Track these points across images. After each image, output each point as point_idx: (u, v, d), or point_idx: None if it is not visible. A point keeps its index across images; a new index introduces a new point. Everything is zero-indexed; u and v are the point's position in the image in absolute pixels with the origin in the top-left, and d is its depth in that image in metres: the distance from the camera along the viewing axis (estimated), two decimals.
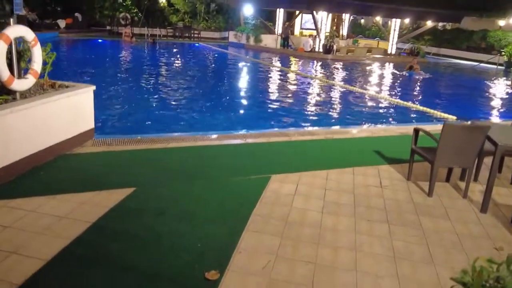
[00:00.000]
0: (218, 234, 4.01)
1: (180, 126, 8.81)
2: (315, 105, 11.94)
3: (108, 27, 29.36)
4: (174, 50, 25.18)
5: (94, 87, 6.32)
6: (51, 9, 28.51)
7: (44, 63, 6.01)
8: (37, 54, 5.30)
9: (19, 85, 5.04)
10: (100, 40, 25.67)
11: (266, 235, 4.03)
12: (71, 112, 5.89)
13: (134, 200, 4.60)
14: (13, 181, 4.82)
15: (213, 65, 20.15)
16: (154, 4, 31.54)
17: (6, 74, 4.82)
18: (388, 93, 15.01)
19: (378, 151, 6.79)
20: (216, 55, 23.72)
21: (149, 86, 13.20)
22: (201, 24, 32.18)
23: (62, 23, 26.79)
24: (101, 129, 7.76)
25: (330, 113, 11.11)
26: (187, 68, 18.24)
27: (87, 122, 6.34)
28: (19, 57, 5.48)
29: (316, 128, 8.91)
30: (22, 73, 5.40)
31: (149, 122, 9.01)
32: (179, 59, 21.53)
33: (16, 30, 4.88)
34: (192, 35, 30.01)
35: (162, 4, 32.31)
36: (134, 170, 5.44)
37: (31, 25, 24.98)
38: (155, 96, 11.67)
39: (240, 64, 20.91)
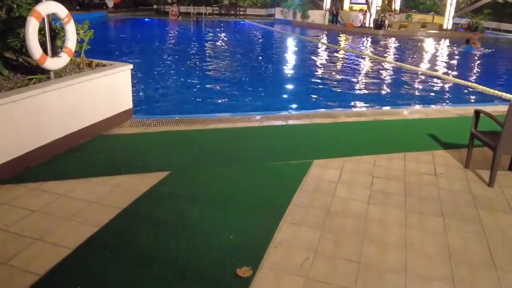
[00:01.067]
0: (253, 224, 3.71)
1: (222, 106, 8.54)
2: (364, 84, 11.31)
3: (155, 6, 29.44)
4: (219, 28, 24.88)
5: (131, 66, 6.13)
6: None
7: (81, 41, 5.88)
8: (71, 32, 5.12)
9: (53, 63, 4.90)
10: (146, 19, 25.81)
11: (305, 227, 3.69)
12: (107, 91, 5.73)
13: (167, 184, 4.37)
14: (47, 163, 4.72)
15: (257, 43, 19.72)
16: None
17: (38, 52, 4.68)
18: (444, 71, 14.02)
19: (432, 135, 6.21)
20: (261, 33, 23.22)
21: (191, 66, 13.01)
22: (247, 1, 31.60)
23: (110, 2, 27.13)
24: (141, 109, 7.64)
25: (380, 92, 10.46)
26: (231, 46, 17.91)
27: (125, 102, 6.18)
28: (54, 35, 5.35)
29: (364, 108, 8.35)
30: (59, 51, 5.26)
31: (191, 103, 8.82)
32: (223, 37, 21.22)
33: (47, 7, 4.71)
34: (238, 12, 29.57)
35: None
36: (170, 153, 5.23)
37: (81, 5, 25.57)
38: (198, 76, 11.46)
39: (286, 41, 20.33)
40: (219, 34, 22.09)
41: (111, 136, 5.66)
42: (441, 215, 4.04)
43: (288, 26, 25.72)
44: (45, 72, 5.03)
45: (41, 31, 4.97)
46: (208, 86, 10.25)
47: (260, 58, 15.32)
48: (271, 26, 25.78)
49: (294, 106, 8.70)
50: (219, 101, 8.99)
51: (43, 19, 4.76)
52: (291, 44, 19.63)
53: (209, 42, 18.70)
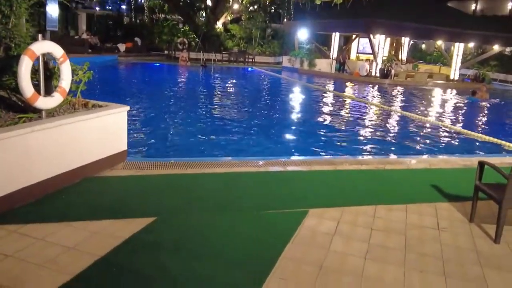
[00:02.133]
0: (239, 279, 3.43)
1: (224, 150, 8.36)
2: (369, 132, 11.16)
3: (166, 52, 30.12)
4: (227, 74, 25.24)
5: (127, 108, 6.04)
6: (113, 34, 29.70)
7: (79, 82, 5.83)
8: (66, 72, 5.07)
9: (45, 103, 4.81)
10: (157, 64, 26.30)
11: (295, 284, 3.40)
12: (100, 133, 5.61)
13: (152, 231, 4.14)
14: (31, 204, 4.53)
15: (264, 89, 19.85)
16: (211, 30, 32.08)
17: (30, 91, 4.60)
18: (450, 121, 13.88)
19: (436, 186, 5.96)
20: (269, 79, 23.48)
21: (197, 109, 13.00)
22: (256, 49, 32.27)
23: (122, 47, 27.80)
24: (139, 151, 7.50)
25: (385, 141, 10.28)
26: (238, 92, 18.03)
27: (119, 143, 6.04)
28: (50, 75, 5.32)
29: (368, 157, 8.14)
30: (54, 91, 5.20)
31: (192, 146, 8.63)
32: (231, 83, 21.44)
33: (42, 46, 4.68)
34: (247, 59, 30.10)
35: (218, 30, 32.81)
36: (159, 197, 5.02)
37: (93, 48, 26.21)
38: (202, 119, 11.38)
39: (293, 88, 20.47)
40: (226, 80, 22.36)
41: (101, 178, 5.48)
42: (443, 273, 3.74)
43: (295, 74, 26.03)
44: (37, 111, 4.94)
45: (38, 70, 4.92)
46: (211, 130, 10.14)
47: (266, 104, 15.33)
48: (278, 73, 26.11)
49: (295, 152, 8.51)
50: (222, 144, 8.83)
51: (38, 58, 4.71)
52: (297, 91, 19.73)
53: (217, 87, 18.87)
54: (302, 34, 27.87)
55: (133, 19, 35.93)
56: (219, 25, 33.09)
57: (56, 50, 4.89)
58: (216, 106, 13.67)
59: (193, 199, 5.02)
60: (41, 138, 4.64)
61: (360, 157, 8.14)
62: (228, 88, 19.14)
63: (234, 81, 22.10)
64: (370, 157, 8.10)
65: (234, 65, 29.13)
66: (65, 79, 5.08)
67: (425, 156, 8.59)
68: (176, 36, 31.50)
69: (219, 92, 17.27)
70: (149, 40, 31.00)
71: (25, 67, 4.49)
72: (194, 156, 7.46)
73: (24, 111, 5.01)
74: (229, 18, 34.01)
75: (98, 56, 24.94)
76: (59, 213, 4.41)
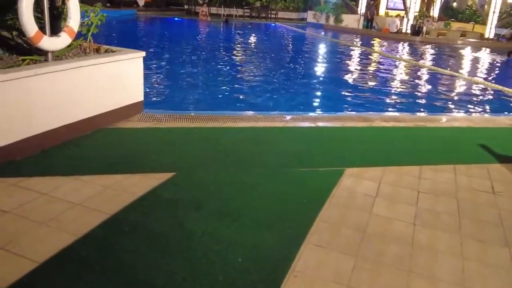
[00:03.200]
0: (268, 244, 2.96)
1: (246, 104, 7.81)
2: (401, 89, 10.39)
3: (185, 6, 29.13)
4: (249, 29, 24.28)
5: (143, 54, 5.48)
6: None
7: (90, 25, 5.28)
8: (74, 10, 4.51)
9: (50, 44, 4.29)
10: (176, 18, 25.46)
11: (334, 252, 2.91)
12: (114, 80, 5.09)
13: (169, 187, 3.67)
14: (36, 157, 4.09)
15: (288, 45, 18.94)
16: None
17: (32, 29, 4.06)
18: (488, 78, 12.93)
19: (485, 146, 5.32)
20: (291, 35, 22.46)
21: (217, 63, 12.35)
22: (279, 4, 30.92)
23: (141, 1, 26.95)
24: (156, 102, 7.00)
25: (419, 98, 9.54)
26: (260, 47, 17.19)
27: (135, 93, 5.53)
28: (57, 14, 4.76)
29: (403, 113, 7.45)
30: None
31: (212, 100, 8.12)
32: (253, 38, 20.57)
33: None
34: (269, 15, 28.92)
35: None
36: (179, 151, 4.53)
37: (111, 2, 25.42)
38: (223, 74, 10.78)
39: (318, 44, 19.52)
40: (248, 36, 21.46)
41: (115, 130, 5.02)
42: (505, 244, 3.20)
43: (320, 30, 24.88)
44: (43, 53, 4.42)
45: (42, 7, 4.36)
46: (233, 84, 9.53)
47: (291, 59, 14.54)
48: (302, 29, 25.01)
49: (324, 108, 7.90)
50: (243, 99, 8.27)
51: None
52: (323, 47, 18.80)
53: (238, 43, 18.08)
54: None
55: None
56: None
57: None
58: (238, 62, 13.00)
59: (215, 153, 4.52)
60: (46, 83, 4.14)
61: (396, 113, 7.47)
62: (251, 44, 18.33)
63: (256, 37, 21.19)
64: (406, 113, 7.41)
65: (256, 20, 28.04)
66: (73, 18, 4.52)
67: (466, 114, 7.86)
68: None
69: (241, 48, 16.50)
70: None
71: (26, 1, 3.94)
72: (215, 110, 6.93)
73: (29, 54, 4.50)
74: None
75: (117, 10, 24.20)
76: (66, 166, 3.97)
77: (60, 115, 4.38)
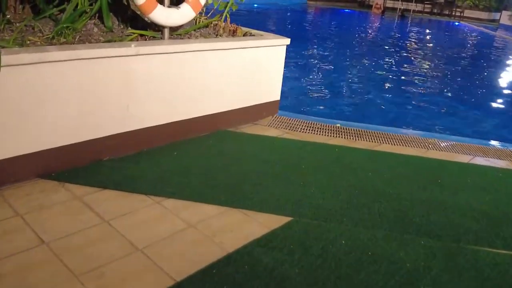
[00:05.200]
0: None
1: (409, 121, 6.05)
2: None
3: None
4: (428, 28, 21.45)
5: (288, 41, 4.27)
6: None
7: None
8: None
9: (166, 17, 3.33)
10: (347, 10, 23.91)
11: None
12: (245, 72, 3.99)
13: (272, 249, 2.38)
14: (124, 160, 3.20)
15: (476, 50, 15.88)
16: None
17: None
18: None
19: None
20: (479, 37, 19.07)
21: (382, 65, 10.57)
22: (467, 1, 27.01)
23: None
24: (292, 106, 5.75)
25: None
26: (439, 49, 14.67)
27: (271, 90, 4.38)
28: None
29: None
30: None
31: (367, 111, 6.48)
32: (431, 38, 17.93)
33: None
34: (454, 13, 25.41)
35: None
36: (309, 181, 3.21)
37: None
38: (387, 79, 8.95)
39: None
40: (426, 35, 18.83)
41: (237, 135, 3.91)
42: None
43: None
44: (160, 29, 3.51)
45: None
46: (397, 94, 7.62)
47: (477, 68, 11.81)
48: (493, 31, 21.22)
49: None
50: (407, 114, 6.48)
51: None
52: None
53: (412, 42, 15.80)
54: None
55: None
56: None
57: None
58: (409, 66, 10.97)
59: (358, 195, 3.07)
60: (152, 66, 3.20)
61: None
62: (428, 45, 15.86)
63: (437, 37, 18.47)
64: None
65: (437, 17, 24.87)
66: None
67: None
68: None
69: (415, 49, 14.27)
70: None
71: None
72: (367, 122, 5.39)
73: (145, 28, 3.64)
74: None
75: None
76: (152, 180, 2.97)
77: (165, 109, 3.42)
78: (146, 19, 3.39)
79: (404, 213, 2.85)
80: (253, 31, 4.40)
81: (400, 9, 24.37)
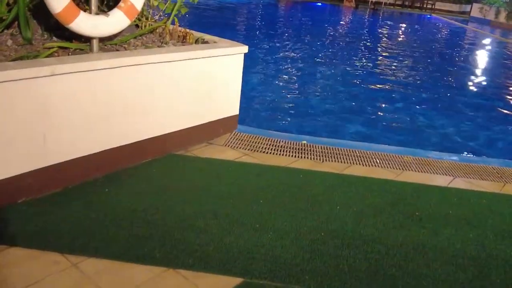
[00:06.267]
0: None
1: (388, 134, 5.57)
2: None
3: None
4: (400, 21, 21.26)
5: (245, 48, 3.75)
6: None
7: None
8: None
9: (91, 25, 2.76)
10: (319, 4, 23.49)
11: None
12: (196, 83, 3.46)
13: None
14: (44, 200, 2.64)
15: (449, 45, 15.64)
16: None
17: (60, 1, 2.55)
18: None
19: None
20: (451, 31, 18.94)
21: (353, 63, 10.14)
22: None
23: None
24: (254, 118, 5.24)
25: None
26: (412, 45, 14.35)
27: (227, 104, 3.86)
28: None
29: None
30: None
31: (338, 123, 5.91)
32: (403, 32, 17.69)
33: None
34: (425, 5, 25.32)
35: None
36: (275, 225, 2.71)
37: None
38: (360, 79, 8.51)
39: (486, 47, 15.96)
40: (398, 28, 18.59)
41: (186, 160, 3.38)
42: None
43: (486, 27, 20.78)
44: (89, 40, 2.94)
45: None
46: (368, 101, 6.95)
47: (452, 66, 11.40)
48: (464, 24, 21.18)
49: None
50: (376, 124, 5.97)
51: None
52: (497, 51, 15.18)
53: (384, 37, 15.49)
54: None
55: None
56: None
57: None
58: (382, 63, 10.58)
59: (338, 249, 2.59)
60: (76, 86, 2.63)
61: None
62: (400, 39, 15.57)
63: (408, 31, 18.23)
64: None
65: (409, 10, 24.73)
66: None
67: None
68: None
69: (387, 44, 13.95)
70: None
71: None
72: (344, 138, 4.91)
73: (73, 39, 3.06)
74: None
75: None
76: (71, 232, 2.42)
77: (100, 135, 2.87)
78: (68, 28, 2.81)
79: (378, 263, 2.39)
80: (206, 37, 3.87)
81: (371, 2, 24.11)
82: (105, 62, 2.71)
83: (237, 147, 3.70)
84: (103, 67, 2.72)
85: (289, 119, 5.72)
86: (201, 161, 3.40)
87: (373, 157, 3.81)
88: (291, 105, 6.30)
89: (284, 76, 8.10)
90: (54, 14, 2.60)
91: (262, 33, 12.68)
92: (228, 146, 3.71)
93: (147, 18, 3.79)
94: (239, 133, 3.99)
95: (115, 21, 2.86)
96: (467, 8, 25.56)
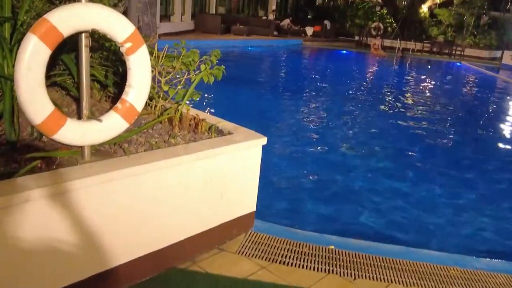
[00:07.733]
0: None
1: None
2: None
3: (356, 38, 26.77)
4: (428, 68, 20.72)
5: (264, 140, 3.27)
6: (302, 15, 27.71)
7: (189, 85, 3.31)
8: (137, 69, 2.44)
9: (81, 134, 2.32)
10: (344, 51, 23.22)
11: None
12: (206, 185, 2.97)
13: None
14: None
15: (484, 97, 14.89)
16: (413, 14, 27.44)
17: (40, 109, 2.13)
18: None
19: None
20: (485, 81, 18.20)
21: (386, 117, 9.61)
22: (467, 39, 26.46)
23: (309, 30, 25.48)
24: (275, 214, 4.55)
25: None
26: (438, 96, 13.73)
27: (241, 201, 3.35)
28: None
29: None
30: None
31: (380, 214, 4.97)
32: (432, 81, 17.11)
33: (79, 16, 2.13)
34: (454, 51, 24.77)
35: (422, 15, 27.89)
36: None
37: (279, 31, 24.33)
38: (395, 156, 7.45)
39: None
40: (428, 77, 18.03)
41: (188, 279, 2.84)
42: None
43: None
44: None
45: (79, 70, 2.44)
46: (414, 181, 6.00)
47: (480, 128, 10.52)
48: (495, 72, 20.45)
49: None
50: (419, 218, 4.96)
51: (69, 41, 2.22)
52: None
53: (412, 86, 14.94)
54: None
55: (325, 0, 33.17)
56: (424, 8, 28.10)
57: (116, 26, 2.29)
58: (414, 116, 10.03)
59: None
60: (53, 214, 2.17)
61: None
62: (430, 90, 14.99)
63: (439, 80, 17.63)
64: None
65: (437, 57, 24.19)
66: (135, 86, 2.47)
67: None
68: (371, 20, 27.75)
69: (417, 95, 13.38)
70: (340, 23, 27.97)
71: (29, 57, 2.03)
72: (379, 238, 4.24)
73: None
74: (438, 0, 28.61)
75: (284, 39, 23.07)
76: None
77: (76, 265, 2.37)
78: (51, 139, 2.37)
79: None
80: (222, 123, 3.42)
81: (399, 48, 23.75)
82: (93, 180, 2.25)
83: (252, 255, 3.15)
84: (92, 184, 2.26)
85: (315, 211, 4.92)
86: (208, 279, 2.85)
87: (419, 270, 3.19)
88: (317, 190, 5.43)
89: (310, 151, 7.12)
90: (35, 126, 2.17)
91: (284, 94, 11.92)
92: (242, 253, 3.16)
93: (159, 97, 3.40)
94: (255, 233, 3.45)
95: (111, 126, 2.42)
96: (497, 54, 24.91)
